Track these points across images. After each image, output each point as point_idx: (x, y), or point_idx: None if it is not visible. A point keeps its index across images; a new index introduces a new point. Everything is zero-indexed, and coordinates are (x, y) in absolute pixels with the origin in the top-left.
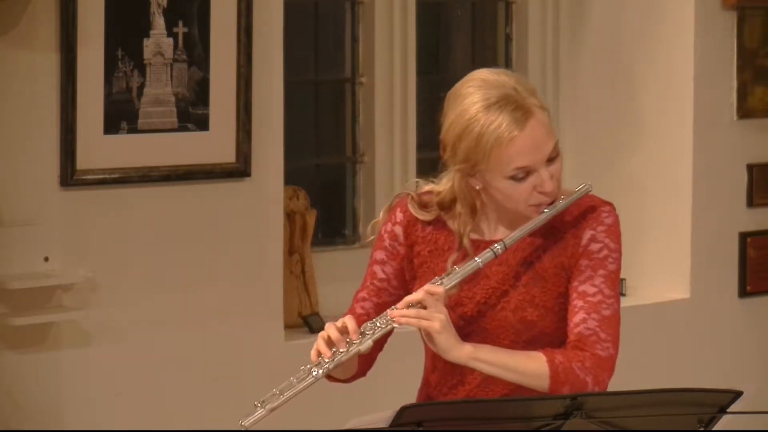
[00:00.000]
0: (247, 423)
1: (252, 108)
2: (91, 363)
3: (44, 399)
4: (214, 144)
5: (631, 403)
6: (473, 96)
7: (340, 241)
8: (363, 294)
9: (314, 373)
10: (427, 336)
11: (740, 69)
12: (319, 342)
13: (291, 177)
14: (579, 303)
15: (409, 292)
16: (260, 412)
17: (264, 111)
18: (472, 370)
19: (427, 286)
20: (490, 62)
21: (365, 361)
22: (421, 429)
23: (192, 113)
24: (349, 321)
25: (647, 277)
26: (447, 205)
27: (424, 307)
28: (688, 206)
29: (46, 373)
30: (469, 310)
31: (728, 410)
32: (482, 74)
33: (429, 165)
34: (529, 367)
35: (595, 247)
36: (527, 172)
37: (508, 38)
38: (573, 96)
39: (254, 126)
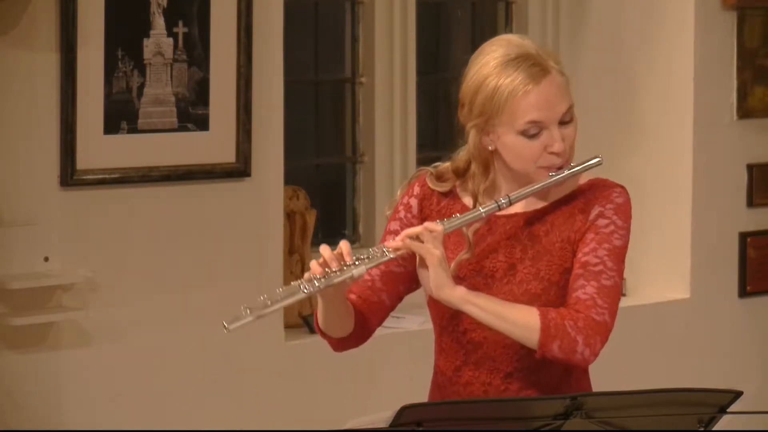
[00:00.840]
0: (231, 327)
1: (252, 108)
2: (91, 363)
3: (44, 399)
4: (214, 144)
5: (631, 403)
6: (495, 53)
7: (340, 241)
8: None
9: (303, 289)
10: (421, 271)
11: (740, 69)
12: (313, 263)
13: (291, 177)
14: (580, 271)
15: (415, 268)
16: (247, 318)
17: (264, 111)
18: (476, 348)
19: (427, 223)
20: None
21: (362, 327)
22: (421, 429)
23: (192, 113)
24: (344, 244)
25: (647, 277)
26: (462, 171)
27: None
28: (688, 206)
29: (46, 373)
30: (477, 282)
31: (728, 410)
32: (507, 36)
33: (429, 165)
34: (521, 318)
35: (602, 222)
36: (539, 128)
37: None
38: (573, 96)
39: (254, 126)
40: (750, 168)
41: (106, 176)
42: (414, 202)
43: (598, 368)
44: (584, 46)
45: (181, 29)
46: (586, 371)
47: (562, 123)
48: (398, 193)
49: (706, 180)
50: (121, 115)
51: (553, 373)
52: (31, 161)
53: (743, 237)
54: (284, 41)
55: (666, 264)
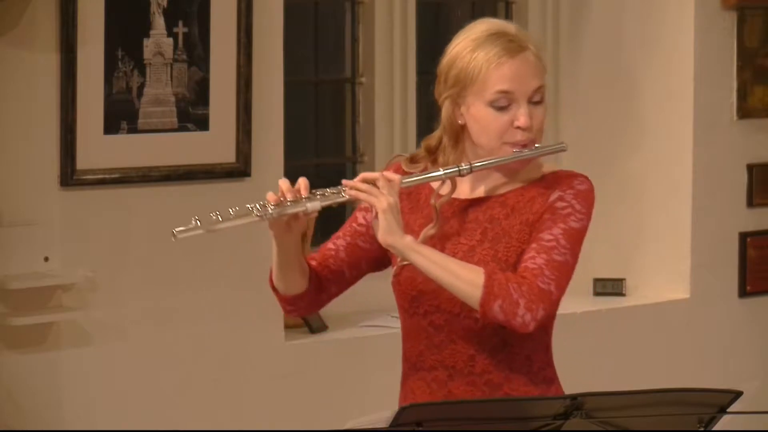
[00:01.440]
0: (179, 233)
1: (252, 108)
2: (91, 363)
3: (44, 399)
4: (214, 144)
5: (631, 403)
6: (474, 29)
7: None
8: (339, 233)
9: (255, 211)
10: (375, 218)
11: (740, 69)
12: (269, 193)
13: (291, 177)
14: (533, 245)
15: (381, 248)
16: (196, 229)
17: (264, 111)
18: (437, 331)
19: (385, 172)
20: None
21: (317, 292)
22: (421, 429)
23: (192, 113)
24: (302, 180)
25: (647, 277)
26: (434, 148)
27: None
28: (688, 206)
29: (46, 373)
30: None
31: (728, 410)
32: (489, 18)
33: None
34: (466, 274)
35: (560, 204)
36: (508, 100)
37: None
38: (573, 96)
39: (254, 126)
40: (750, 168)
41: (106, 176)
42: None
43: (598, 368)
44: (584, 46)
45: (181, 29)
46: (549, 361)
47: (532, 102)
48: None
49: (706, 180)
50: (121, 115)
51: (514, 357)
52: (31, 161)
53: (743, 237)
54: (284, 41)
55: (666, 264)
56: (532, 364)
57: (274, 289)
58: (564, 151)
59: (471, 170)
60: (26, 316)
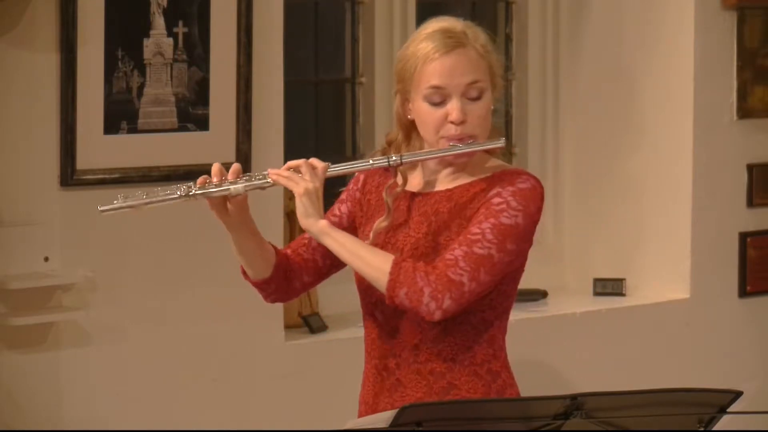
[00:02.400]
0: (103, 208)
1: (252, 108)
2: (91, 363)
3: (44, 399)
4: (214, 144)
5: (631, 403)
6: (424, 26)
7: None
8: None
9: (179, 191)
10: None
11: (740, 69)
12: (201, 177)
13: None
14: (459, 239)
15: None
16: (120, 204)
17: (264, 111)
18: (386, 320)
19: (312, 159)
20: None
21: (286, 279)
22: (421, 429)
23: (192, 113)
24: (234, 165)
25: (647, 277)
26: (393, 140)
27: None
28: (688, 206)
29: (46, 373)
30: (389, 251)
31: (728, 410)
32: (446, 17)
33: None
34: (374, 260)
35: (495, 200)
36: (442, 96)
37: (508, 38)
38: (573, 96)
39: (254, 126)
40: (750, 168)
41: (106, 176)
42: (361, 177)
43: (598, 368)
44: (584, 46)
45: (181, 29)
46: (497, 355)
47: (470, 98)
48: None
49: (706, 180)
50: (121, 115)
51: (454, 346)
52: (31, 161)
53: (743, 237)
54: (284, 41)
55: (666, 264)
56: (475, 356)
57: (243, 273)
58: (501, 146)
59: (401, 162)
60: (26, 316)
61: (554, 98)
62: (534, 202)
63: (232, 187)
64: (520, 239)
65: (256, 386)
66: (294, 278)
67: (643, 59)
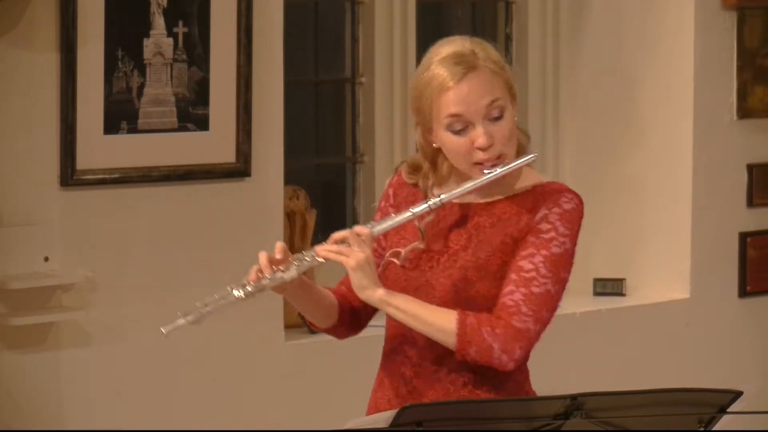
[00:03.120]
0: (166, 330)
1: (252, 108)
2: (91, 363)
3: (44, 399)
4: (214, 144)
5: (631, 403)
6: (433, 52)
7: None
8: None
9: (235, 293)
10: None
11: (740, 69)
12: (252, 268)
13: (291, 177)
14: (513, 276)
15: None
16: (181, 322)
17: (264, 111)
18: (410, 330)
19: (356, 227)
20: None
21: (352, 317)
22: (421, 429)
23: (192, 113)
24: (278, 250)
25: (647, 277)
26: (418, 167)
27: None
28: (688, 206)
29: (46, 373)
30: (424, 263)
31: (728, 410)
32: (452, 37)
33: None
34: (438, 321)
35: (544, 226)
36: (463, 123)
37: (508, 38)
38: (573, 96)
39: (254, 126)
40: (750, 168)
41: (106, 176)
42: (391, 191)
43: (598, 368)
44: (584, 46)
45: (181, 29)
46: (521, 368)
47: (491, 119)
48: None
49: (706, 180)
50: (121, 115)
51: None
52: (31, 161)
53: (743, 237)
54: (284, 41)
55: (666, 264)
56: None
57: (311, 324)
58: (534, 160)
59: (441, 203)
60: (26, 316)
61: (554, 98)
62: (578, 223)
63: (286, 275)
64: (569, 264)
65: (256, 386)
66: (359, 313)
67: (643, 59)
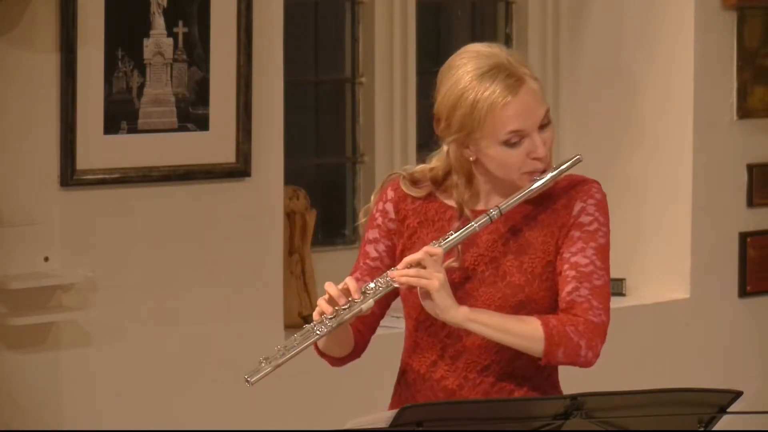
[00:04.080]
0: (253, 380)
1: (252, 108)
2: (91, 363)
3: (44, 399)
4: (214, 144)
5: (631, 403)
6: (466, 66)
7: (340, 242)
8: (357, 275)
9: (318, 331)
10: (424, 295)
11: (740, 69)
12: (320, 301)
13: (291, 177)
14: (571, 273)
15: None
16: (266, 369)
17: (264, 111)
18: (454, 342)
19: (427, 248)
20: None
21: (360, 342)
22: (421, 429)
23: (192, 113)
24: (350, 281)
25: (647, 277)
26: (441, 180)
27: (424, 268)
28: (688, 206)
29: (46, 373)
30: (458, 276)
31: (728, 410)
32: (475, 47)
33: None
34: (525, 330)
35: (586, 219)
36: (521, 136)
37: (508, 38)
38: (573, 96)
39: (254, 126)
40: (750, 168)
41: (106, 176)
42: (390, 206)
43: (598, 368)
44: (584, 46)
45: (181, 29)
46: (556, 366)
47: (541, 127)
48: (372, 199)
49: (706, 180)
50: (121, 115)
51: (527, 365)
52: (31, 161)
53: (743, 237)
54: (284, 41)
55: (666, 264)
56: (543, 370)
57: (321, 354)
58: (580, 162)
59: (501, 213)
60: (26, 316)
61: (554, 98)
62: (608, 211)
63: (363, 306)
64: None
65: (256, 386)
66: (365, 336)
67: (643, 59)
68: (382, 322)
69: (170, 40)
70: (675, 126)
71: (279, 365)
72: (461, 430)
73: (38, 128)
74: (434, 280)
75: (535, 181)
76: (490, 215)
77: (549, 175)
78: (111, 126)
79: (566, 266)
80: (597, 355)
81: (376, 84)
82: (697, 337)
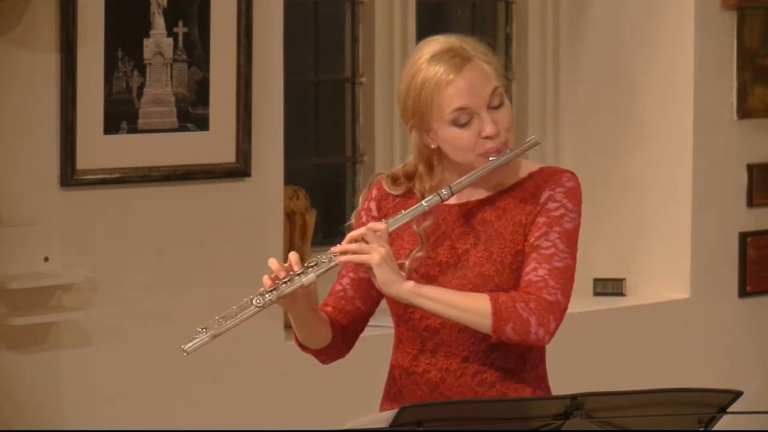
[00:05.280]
0: (188, 348)
1: (252, 108)
2: (91, 363)
3: (44, 399)
4: (214, 144)
5: (631, 403)
6: (419, 53)
7: (339, 242)
8: (342, 270)
9: (255, 302)
10: (371, 271)
11: (740, 69)
12: (264, 276)
13: (291, 177)
14: (533, 255)
15: None
16: (203, 338)
17: (264, 111)
18: (432, 335)
19: (371, 223)
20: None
21: (343, 337)
22: (421, 429)
23: (192, 113)
24: (292, 255)
25: (647, 277)
26: (412, 174)
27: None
28: (688, 206)
29: (46, 373)
30: (433, 270)
31: (728, 410)
32: (432, 37)
33: None
34: (472, 305)
35: (552, 205)
36: (468, 115)
37: (508, 38)
38: (573, 96)
39: (254, 126)
40: (750, 168)
41: (106, 176)
42: (373, 205)
43: (598, 368)
44: (584, 46)
45: (181, 29)
46: (542, 358)
47: (493, 107)
48: (360, 200)
49: (706, 180)
50: (121, 115)
51: (508, 356)
52: (31, 161)
53: (743, 237)
54: (284, 41)
55: (666, 264)
56: (526, 362)
57: (303, 347)
58: (538, 144)
59: (452, 193)
60: (26, 316)
61: (554, 98)
62: (581, 199)
63: (304, 279)
64: (577, 240)
65: (256, 386)
66: (349, 332)
67: (643, 59)
68: (378, 322)
69: (170, 40)
70: (675, 126)
71: (216, 335)
72: (461, 430)
73: (38, 128)
74: (374, 254)
75: (490, 161)
76: (441, 194)
77: (505, 156)
78: (111, 126)
79: (529, 250)
80: (550, 333)
81: (376, 84)
82: (697, 337)
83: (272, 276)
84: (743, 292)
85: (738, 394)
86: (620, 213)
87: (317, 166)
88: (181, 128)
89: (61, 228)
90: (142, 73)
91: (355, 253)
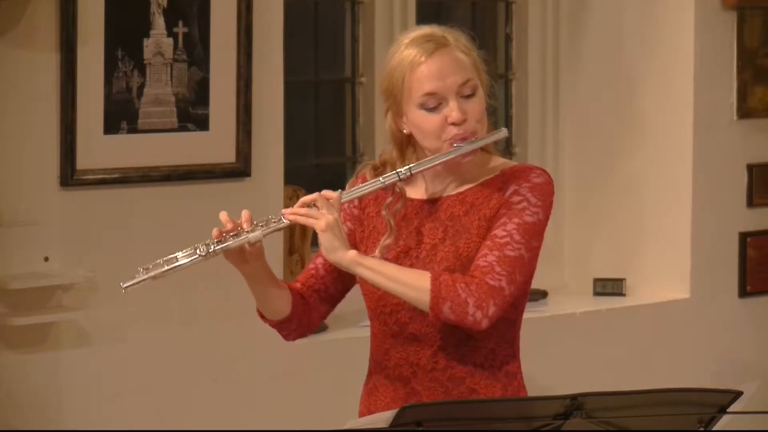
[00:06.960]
0: (126, 285)
1: (252, 108)
2: (91, 363)
3: (44, 399)
4: (214, 144)
5: (631, 403)
6: (401, 37)
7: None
8: (319, 251)
9: (199, 251)
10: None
11: (740, 69)
12: (214, 229)
13: (291, 177)
14: (487, 243)
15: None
16: (142, 277)
17: (264, 111)
18: (402, 329)
19: (324, 191)
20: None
21: (305, 313)
22: (421, 429)
23: (192, 113)
24: (244, 212)
25: (647, 277)
26: (389, 160)
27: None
28: (688, 206)
29: (46, 373)
30: (403, 263)
31: (728, 410)
32: (415, 27)
33: None
34: (412, 280)
35: (515, 198)
36: (437, 100)
37: (508, 38)
38: (573, 96)
39: (254, 126)
40: (750, 168)
41: (106, 176)
42: None
43: (598, 368)
44: (584, 46)
45: (181, 29)
46: (515, 355)
47: (464, 97)
48: (345, 188)
49: (706, 180)
50: (121, 115)
51: (477, 351)
52: (31, 161)
53: (743, 237)
54: (284, 41)
55: (666, 264)
56: (496, 358)
57: (262, 317)
58: (505, 137)
59: (411, 173)
60: (26, 316)
61: (554, 98)
62: (549, 196)
63: (250, 235)
64: (541, 236)
65: (256, 386)
66: (312, 311)
67: (643, 59)
68: (332, 310)
69: (170, 40)
70: (675, 126)
71: (155, 277)
72: (461, 430)
73: (38, 128)
74: (322, 220)
75: (455, 147)
76: (399, 173)
77: (469, 144)
78: (111, 126)
79: (486, 239)
80: (487, 317)
81: (376, 84)
82: (697, 337)
83: (219, 230)
84: (743, 292)
85: (738, 394)
86: (620, 213)
87: (317, 166)
88: (181, 128)
89: (61, 228)
90: (142, 73)
91: (303, 216)
